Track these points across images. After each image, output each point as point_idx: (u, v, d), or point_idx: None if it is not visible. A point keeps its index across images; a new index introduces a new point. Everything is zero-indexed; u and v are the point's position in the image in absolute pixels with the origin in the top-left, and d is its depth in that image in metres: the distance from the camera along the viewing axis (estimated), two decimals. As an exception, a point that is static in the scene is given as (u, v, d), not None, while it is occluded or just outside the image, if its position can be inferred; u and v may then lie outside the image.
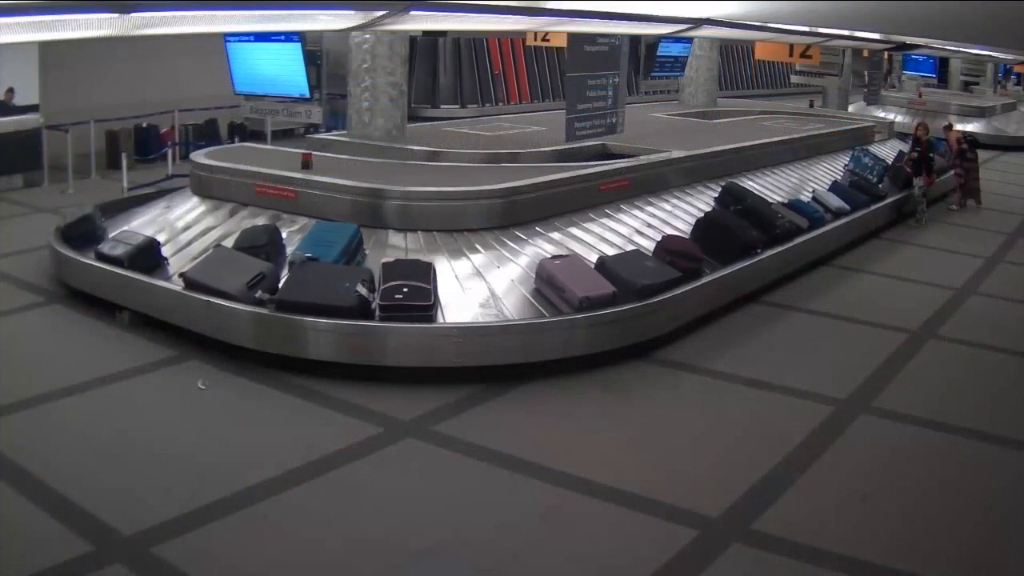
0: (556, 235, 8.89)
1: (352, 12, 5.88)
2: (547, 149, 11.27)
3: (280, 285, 7.48)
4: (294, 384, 7.00)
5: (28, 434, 6.15)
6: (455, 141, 11.72)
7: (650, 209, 10.19)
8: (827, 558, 5.06)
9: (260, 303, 7.32)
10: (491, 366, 7.16)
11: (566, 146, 11.14)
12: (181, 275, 7.80)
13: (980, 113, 24.47)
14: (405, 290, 7.20)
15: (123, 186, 11.93)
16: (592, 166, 10.28)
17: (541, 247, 8.56)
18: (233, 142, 14.42)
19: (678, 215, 10.29)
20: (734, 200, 10.53)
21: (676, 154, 11.40)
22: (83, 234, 9.14)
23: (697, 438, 6.57)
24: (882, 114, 22.89)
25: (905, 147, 15.31)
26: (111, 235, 8.90)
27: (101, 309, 8.28)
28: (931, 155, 14.01)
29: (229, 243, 8.49)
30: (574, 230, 9.09)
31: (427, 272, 7.55)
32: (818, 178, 13.39)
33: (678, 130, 14.28)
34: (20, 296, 8.85)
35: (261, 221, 8.90)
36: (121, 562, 4.79)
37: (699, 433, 6.66)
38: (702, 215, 10.06)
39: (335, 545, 5.00)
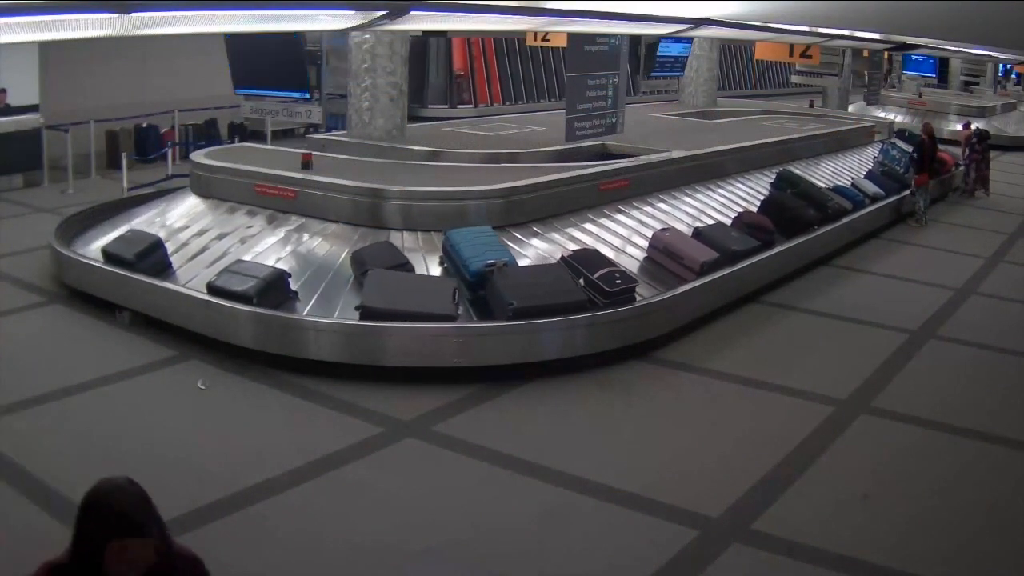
0: (555, 235, 8.89)
1: (352, 12, 5.88)
2: (547, 149, 11.28)
3: (506, 294, 7.26)
4: (294, 384, 7.00)
5: (28, 434, 6.15)
6: (455, 141, 11.73)
7: (648, 209, 10.18)
8: (827, 558, 5.06)
9: (451, 318, 7.13)
10: (491, 366, 7.16)
11: (566, 146, 11.15)
12: (360, 307, 7.12)
13: (980, 113, 24.49)
14: (618, 275, 7.80)
15: (123, 186, 11.93)
16: (592, 166, 10.28)
17: (540, 247, 8.56)
18: (233, 142, 14.41)
19: (678, 216, 10.28)
20: (789, 184, 11.79)
21: (676, 154, 11.41)
22: (155, 263, 8.25)
23: (697, 438, 6.57)
24: (882, 114, 22.90)
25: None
26: (227, 266, 7.85)
27: (101, 309, 8.28)
28: (925, 155, 14.02)
29: (225, 251, 8.48)
30: (573, 230, 9.09)
31: (607, 258, 8.23)
32: (821, 177, 13.43)
33: (678, 130, 14.28)
34: (20, 296, 8.85)
35: (261, 221, 8.90)
36: (121, 562, 4.78)
37: (699, 433, 6.66)
38: (765, 196, 11.38)
39: (335, 545, 5.00)
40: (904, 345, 8.60)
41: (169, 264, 8.35)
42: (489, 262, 7.53)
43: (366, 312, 7.09)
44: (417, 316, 7.06)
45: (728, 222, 10.29)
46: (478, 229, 8.17)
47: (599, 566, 4.95)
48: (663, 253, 8.84)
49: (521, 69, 23.38)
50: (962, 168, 16.65)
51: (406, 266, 7.80)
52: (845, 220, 11.78)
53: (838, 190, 12.59)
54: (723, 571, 4.94)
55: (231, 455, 5.97)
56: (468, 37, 21.70)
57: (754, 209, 10.96)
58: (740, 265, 9.23)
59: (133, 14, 4.52)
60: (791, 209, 10.93)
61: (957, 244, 12.87)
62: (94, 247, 9.17)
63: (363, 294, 7.27)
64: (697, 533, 5.26)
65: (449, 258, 7.92)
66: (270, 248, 8.41)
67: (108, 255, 8.50)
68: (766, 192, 11.87)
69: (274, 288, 7.44)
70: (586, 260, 7.99)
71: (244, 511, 5.31)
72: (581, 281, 7.65)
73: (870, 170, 14.40)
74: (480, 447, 6.17)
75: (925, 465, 6.32)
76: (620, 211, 9.88)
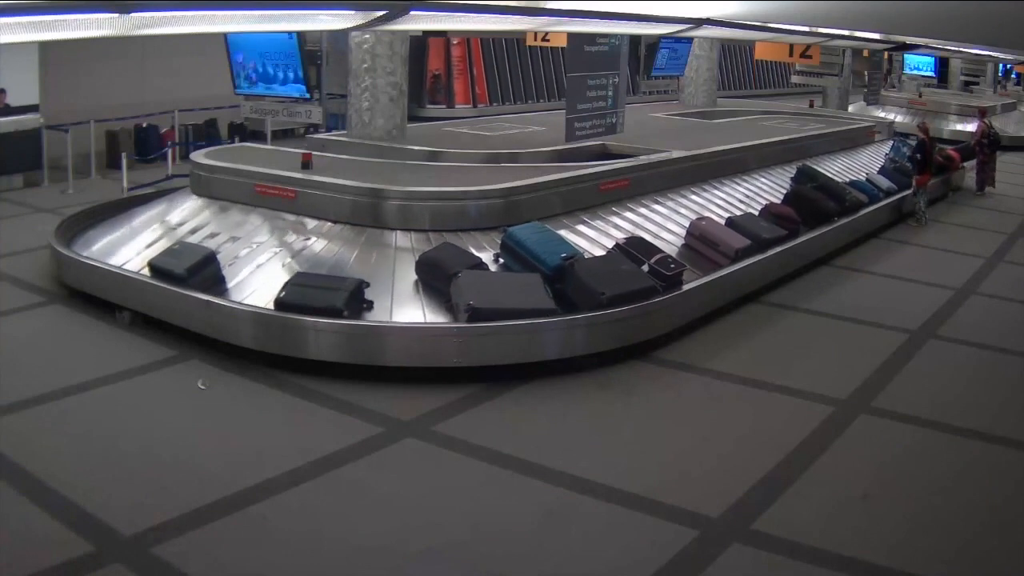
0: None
1: (352, 12, 5.89)
2: (547, 149, 11.28)
3: (593, 285, 7.49)
4: (294, 384, 7.00)
5: (28, 434, 6.15)
6: (455, 141, 11.73)
7: (644, 211, 10.16)
8: (827, 558, 5.06)
9: (554, 312, 7.25)
10: (491, 366, 7.16)
11: (566, 146, 11.14)
12: (468, 307, 7.03)
13: (980, 113, 24.45)
14: (671, 261, 8.29)
15: (123, 186, 11.94)
16: (592, 166, 10.28)
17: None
18: (233, 142, 14.42)
19: (676, 218, 10.27)
20: (808, 179, 12.35)
21: (676, 154, 11.41)
22: (208, 277, 7.83)
23: (697, 438, 6.57)
24: (882, 114, 22.90)
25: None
26: (290, 279, 7.49)
27: (101, 309, 8.28)
28: (925, 155, 14.02)
29: (244, 251, 8.46)
30: (566, 232, 9.05)
31: (654, 244, 8.70)
32: (831, 174, 13.45)
33: (678, 130, 14.28)
34: (20, 296, 8.85)
35: (259, 220, 8.90)
36: (121, 562, 4.79)
37: (699, 433, 6.66)
38: (788, 190, 11.91)
39: (335, 545, 5.00)
40: (904, 345, 8.60)
41: (222, 279, 7.89)
42: (564, 255, 7.74)
43: (475, 313, 7.06)
44: (523, 313, 7.17)
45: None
46: (533, 226, 8.30)
47: (599, 566, 4.95)
48: (699, 240, 9.37)
49: (509, 69, 23.14)
50: (966, 167, 16.64)
51: (481, 265, 7.83)
52: (847, 218, 11.86)
53: (854, 184, 12.97)
54: (723, 571, 4.94)
55: (231, 455, 5.97)
56: (448, 36, 21.47)
57: (757, 209, 10.99)
58: (739, 265, 9.23)
59: (133, 14, 4.52)
60: (813, 201, 11.41)
61: (957, 244, 12.87)
62: (95, 247, 9.17)
63: (464, 295, 7.14)
64: (697, 533, 5.26)
65: (513, 255, 7.93)
66: (336, 261, 8.10)
67: (155, 269, 8.00)
68: (768, 191, 11.90)
69: (355, 298, 7.29)
70: (640, 247, 8.48)
71: (244, 511, 5.31)
72: (644, 268, 8.06)
73: (883, 166, 14.77)
74: (480, 447, 6.17)
75: (925, 465, 6.32)
76: (620, 211, 9.88)
